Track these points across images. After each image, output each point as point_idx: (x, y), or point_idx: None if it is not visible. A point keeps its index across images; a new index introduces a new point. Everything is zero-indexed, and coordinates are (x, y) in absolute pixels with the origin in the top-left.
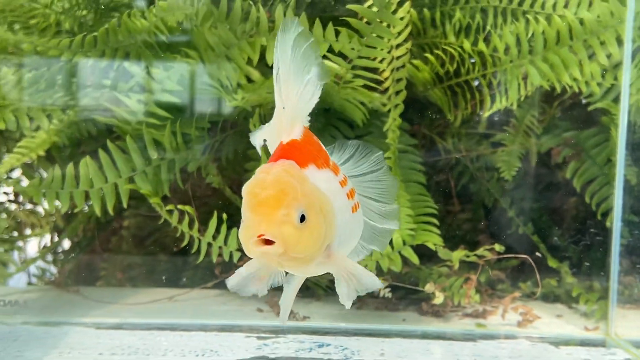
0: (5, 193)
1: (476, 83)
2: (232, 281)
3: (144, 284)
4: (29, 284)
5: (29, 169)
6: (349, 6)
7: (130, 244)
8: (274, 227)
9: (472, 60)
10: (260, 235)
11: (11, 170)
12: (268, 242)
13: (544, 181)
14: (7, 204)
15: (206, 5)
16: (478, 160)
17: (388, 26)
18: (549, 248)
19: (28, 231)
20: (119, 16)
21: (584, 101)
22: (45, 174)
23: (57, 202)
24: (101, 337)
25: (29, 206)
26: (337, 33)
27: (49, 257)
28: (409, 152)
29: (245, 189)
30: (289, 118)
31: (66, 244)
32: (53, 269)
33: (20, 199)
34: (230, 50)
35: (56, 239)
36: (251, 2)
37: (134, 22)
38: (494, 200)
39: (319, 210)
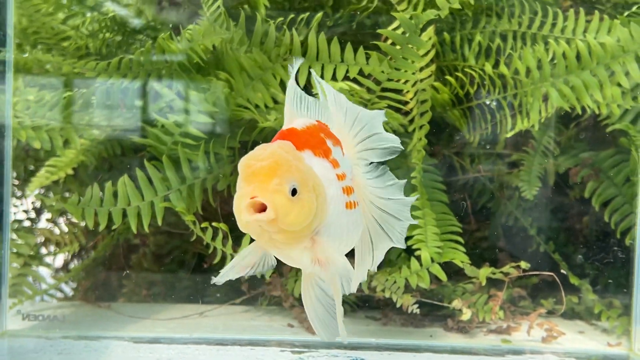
0: (25, 211)
1: (495, 103)
2: (221, 272)
3: (170, 300)
4: (62, 299)
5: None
6: (380, 31)
7: (150, 260)
8: (266, 194)
9: (486, 82)
10: (253, 197)
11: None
12: (260, 212)
13: (563, 200)
14: (30, 222)
15: (242, 29)
16: (497, 180)
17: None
18: (570, 266)
19: (52, 248)
20: (143, 41)
21: (601, 123)
22: (68, 193)
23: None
24: (141, 351)
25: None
26: (367, 56)
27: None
28: (430, 172)
29: (241, 162)
30: (288, 114)
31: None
32: (73, 284)
33: (44, 215)
34: (265, 73)
35: (82, 255)
36: (286, 27)
37: (168, 45)
38: (514, 219)
39: (311, 189)
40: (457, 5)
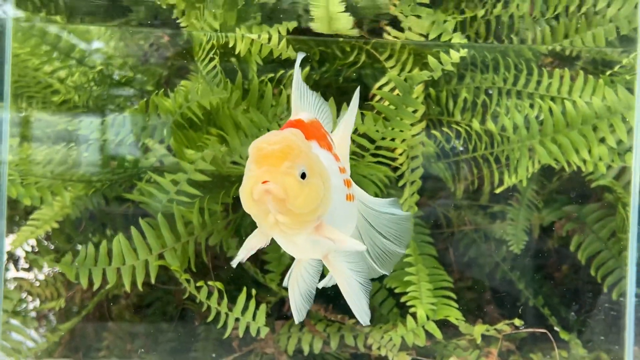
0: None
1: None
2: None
3: (154, 356)
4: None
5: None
6: (375, 91)
7: (131, 313)
8: (277, 176)
9: (473, 137)
10: (264, 182)
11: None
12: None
13: (549, 254)
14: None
15: (239, 89)
16: (483, 233)
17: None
18: (559, 320)
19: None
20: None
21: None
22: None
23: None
24: None
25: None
26: (362, 116)
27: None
28: (418, 225)
29: (252, 145)
30: (294, 106)
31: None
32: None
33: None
34: (262, 132)
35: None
36: (282, 87)
37: (162, 102)
38: (502, 272)
39: (319, 175)
40: (450, 67)
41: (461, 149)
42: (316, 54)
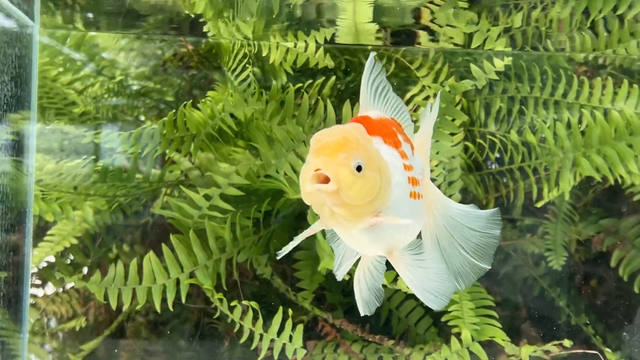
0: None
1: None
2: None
3: None
4: None
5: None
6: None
7: (149, 331)
8: (331, 166)
9: (509, 148)
10: (317, 170)
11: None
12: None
13: (589, 269)
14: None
15: (275, 100)
16: (518, 247)
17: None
18: (604, 340)
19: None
20: (161, 102)
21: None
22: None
23: None
24: None
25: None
26: None
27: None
28: None
29: (313, 137)
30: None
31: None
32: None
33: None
34: (298, 145)
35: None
36: (319, 97)
37: (191, 114)
38: (540, 289)
39: (376, 169)
40: (494, 76)
41: (492, 163)
42: (342, 63)
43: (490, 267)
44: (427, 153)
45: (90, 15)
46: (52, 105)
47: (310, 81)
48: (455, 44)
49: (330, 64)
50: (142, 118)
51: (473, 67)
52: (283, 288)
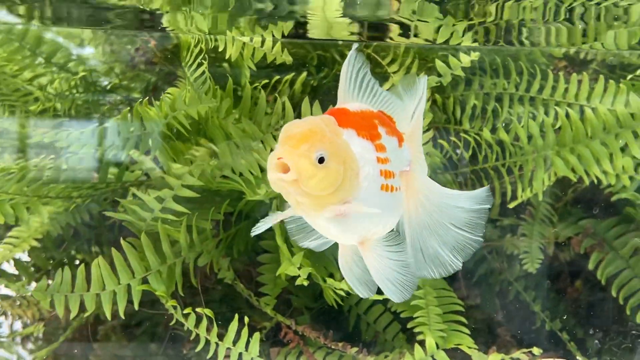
0: None
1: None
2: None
3: None
4: None
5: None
6: None
7: (118, 334)
8: (292, 156)
9: (483, 147)
10: (279, 158)
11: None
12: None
13: (566, 272)
14: None
15: (230, 97)
16: (493, 248)
17: None
18: (578, 345)
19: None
20: (117, 101)
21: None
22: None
23: None
24: None
25: None
26: None
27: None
28: None
29: (283, 127)
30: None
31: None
32: None
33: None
34: (255, 144)
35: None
36: (277, 95)
37: (147, 112)
38: (515, 292)
39: (341, 161)
40: (460, 72)
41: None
42: (314, 59)
43: (483, 240)
44: (417, 143)
45: (52, 9)
46: (6, 101)
47: (277, 77)
48: (426, 40)
49: (289, 59)
50: (105, 116)
51: (438, 62)
52: (246, 293)
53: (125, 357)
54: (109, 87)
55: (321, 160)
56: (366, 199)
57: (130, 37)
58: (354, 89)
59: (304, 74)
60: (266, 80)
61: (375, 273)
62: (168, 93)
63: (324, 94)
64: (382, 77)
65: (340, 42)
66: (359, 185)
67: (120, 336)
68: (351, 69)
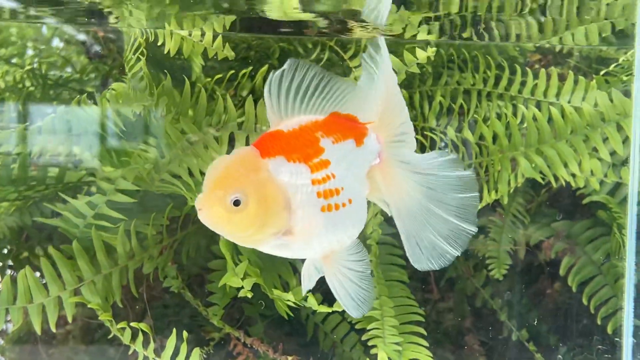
0: None
1: None
2: None
3: None
4: None
5: None
6: None
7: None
8: (208, 205)
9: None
10: (199, 208)
11: None
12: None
13: (536, 278)
14: None
15: (167, 95)
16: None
17: None
18: (546, 357)
19: None
20: (70, 95)
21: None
22: None
23: None
24: None
25: None
26: None
27: None
28: (387, 244)
29: (209, 166)
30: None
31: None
32: None
33: None
34: (194, 146)
35: None
36: (219, 94)
37: (84, 111)
38: (482, 299)
39: (262, 199)
40: (415, 69)
41: None
42: (276, 51)
43: (476, 229)
44: (391, 125)
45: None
46: None
47: (232, 72)
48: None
49: (231, 54)
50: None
51: (393, 58)
52: (194, 302)
53: None
54: (58, 81)
55: (237, 202)
56: (305, 224)
57: (80, 30)
58: (285, 107)
59: (266, 66)
60: (219, 75)
61: (335, 287)
62: (112, 89)
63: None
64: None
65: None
66: (293, 214)
67: (77, 340)
68: (276, 90)
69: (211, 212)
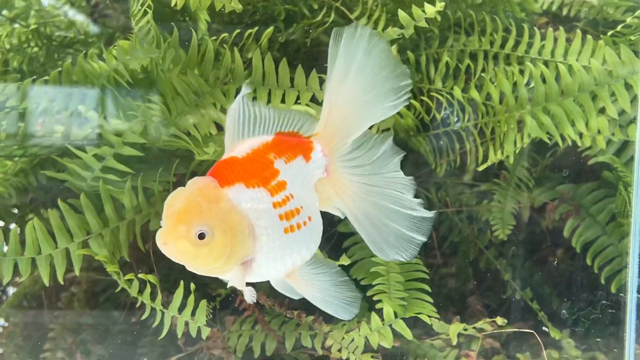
0: None
1: (464, 131)
2: None
3: (101, 349)
4: None
5: None
6: None
7: (80, 301)
8: (172, 240)
9: (455, 107)
10: (164, 243)
11: None
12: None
13: (540, 240)
14: None
15: (174, 48)
16: (466, 215)
17: None
18: (550, 316)
19: None
20: (73, 56)
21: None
22: None
23: None
24: None
25: None
26: (320, 81)
27: None
28: None
29: (167, 198)
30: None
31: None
32: None
33: None
34: (202, 99)
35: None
36: (225, 46)
37: (91, 65)
38: (486, 260)
39: (226, 230)
40: (423, 24)
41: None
42: (281, 13)
43: (425, 240)
44: (335, 134)
45: None
46: None
47: (238, 31)
48: None
49: (238, 7)
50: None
51: (400, 13)
52: None
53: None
54: (65, 41)
55: (202, 236)
56: (269, 249)
57: None
58: (241, 131)
59: (271, 28)
60: (225, 35)
61: (314, 298)
62: (117, 45)
63: (293, 52)
64: None
65: None
66: (257, 240)
67: (82, 303)
68: (240, 114)
69: (177, 246)
